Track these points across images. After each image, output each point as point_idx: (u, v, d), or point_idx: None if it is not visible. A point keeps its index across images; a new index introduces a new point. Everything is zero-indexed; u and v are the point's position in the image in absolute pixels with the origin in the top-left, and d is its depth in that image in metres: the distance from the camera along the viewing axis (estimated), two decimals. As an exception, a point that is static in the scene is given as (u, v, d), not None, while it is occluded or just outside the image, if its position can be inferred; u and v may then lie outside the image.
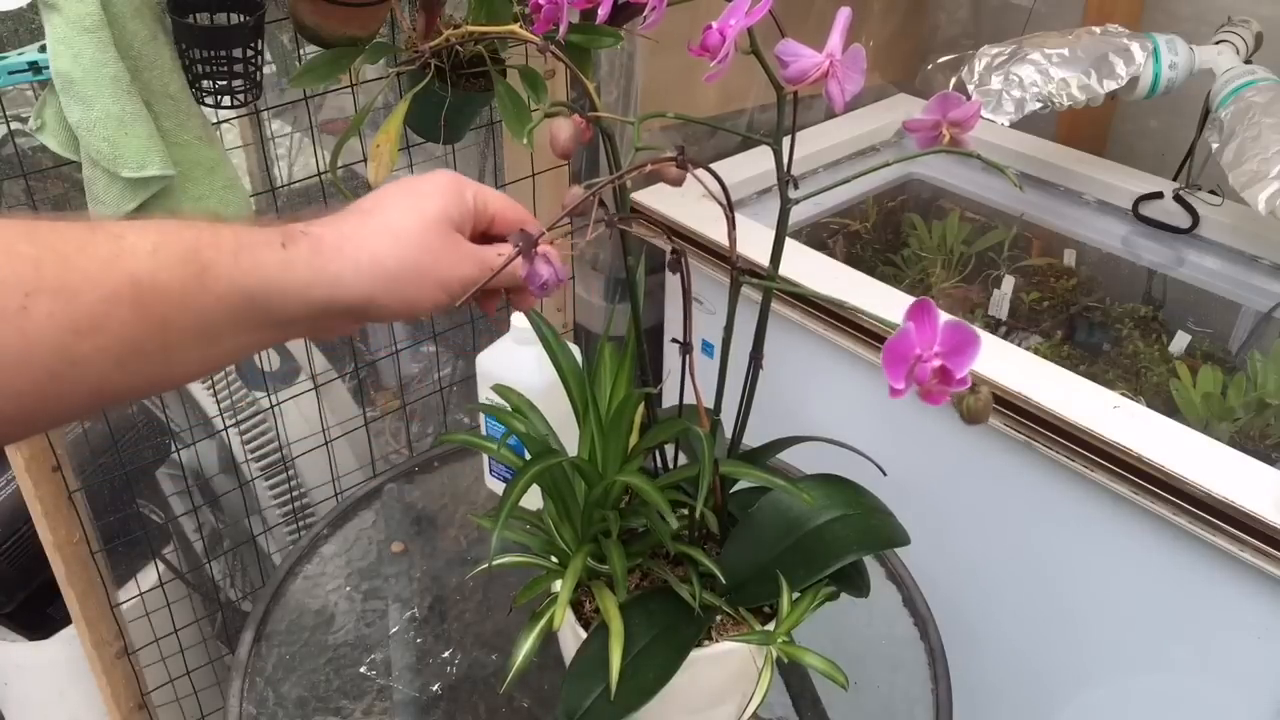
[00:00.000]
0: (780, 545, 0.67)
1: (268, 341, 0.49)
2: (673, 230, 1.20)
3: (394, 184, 0.55)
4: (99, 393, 0.43)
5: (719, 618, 0.68)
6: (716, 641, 0.66)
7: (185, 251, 0.44)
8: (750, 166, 1.30)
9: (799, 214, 1.32)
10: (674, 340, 0.64)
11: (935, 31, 1.61)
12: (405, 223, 0.52)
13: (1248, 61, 1.17)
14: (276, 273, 0.47)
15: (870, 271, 1.21)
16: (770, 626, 0.67)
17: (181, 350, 0.45)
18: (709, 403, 0.66)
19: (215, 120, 0.97)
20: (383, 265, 0.51)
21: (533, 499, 0.68)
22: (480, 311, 0.57)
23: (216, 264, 0.45)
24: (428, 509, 1.03)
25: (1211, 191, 1.25)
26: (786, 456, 0.81)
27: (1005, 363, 0.99)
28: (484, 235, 0.58)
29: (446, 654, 0.87)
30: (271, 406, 1.24)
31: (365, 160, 0.85)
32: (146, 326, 0.43)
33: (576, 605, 0.70)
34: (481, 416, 0.92)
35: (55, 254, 0.41)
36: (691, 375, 0.63)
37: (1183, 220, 1.26)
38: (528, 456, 0.69)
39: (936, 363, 0.50)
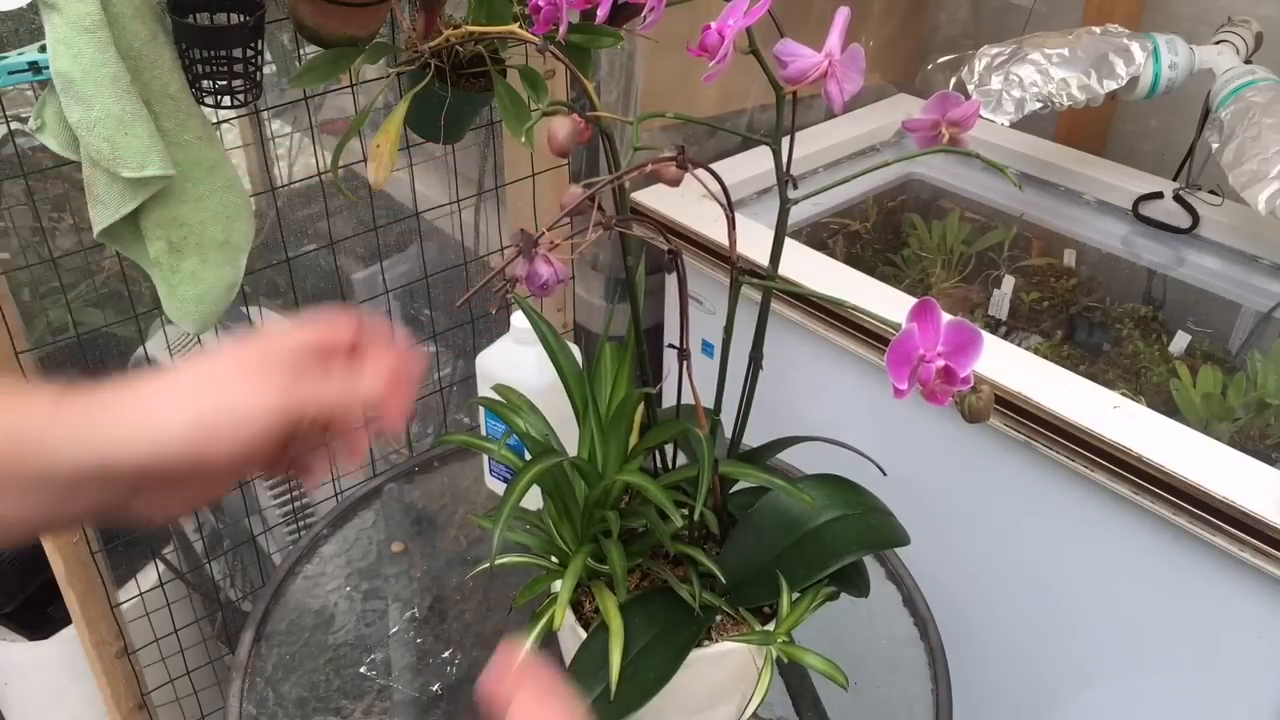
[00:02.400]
0: (780, 545, 0.67)
1: (57, 508, 0.47)
2: (672, 230, 1.20)
3: None
4: None
5: (719, 618, 0.68)
6: (716, 641, 0.66)
7: None
8: (750, 166, 1.30)
9: (799, 214, 1.32)
10: (670, 345, 0.64)
11: (935, 31, 1.61)
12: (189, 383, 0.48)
13: (1248, 61, 1.17)
14: (40, 424, 0.45)
15: (870, 271, 1.21)
16: (770, 626, 0.67)
17: None
18: (709, 403, 0.66)
19: (215, 120, 0.96)
20: (163, 422, 0.46)
21: (533, 499, 0.68)
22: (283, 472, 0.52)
23: None
24: (428, 509, 1.03)
25: (1211, 191, 1.24)
26: (786, 456, 0.81)
27: (1005, 363, 0.99)
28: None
29: (446, 654, 0.87)
30: (271, 406, 1.24)
31: (365, 160, 0.85)
32: None
33: (576, 605, 0.70)
34: (481, 417, 0.92)
35: None
36: (690, 381, 0.63)
37: (1183, 220, 1.26)
38: (528, 456, 0.69)
39: (940, 362, 0.50)
